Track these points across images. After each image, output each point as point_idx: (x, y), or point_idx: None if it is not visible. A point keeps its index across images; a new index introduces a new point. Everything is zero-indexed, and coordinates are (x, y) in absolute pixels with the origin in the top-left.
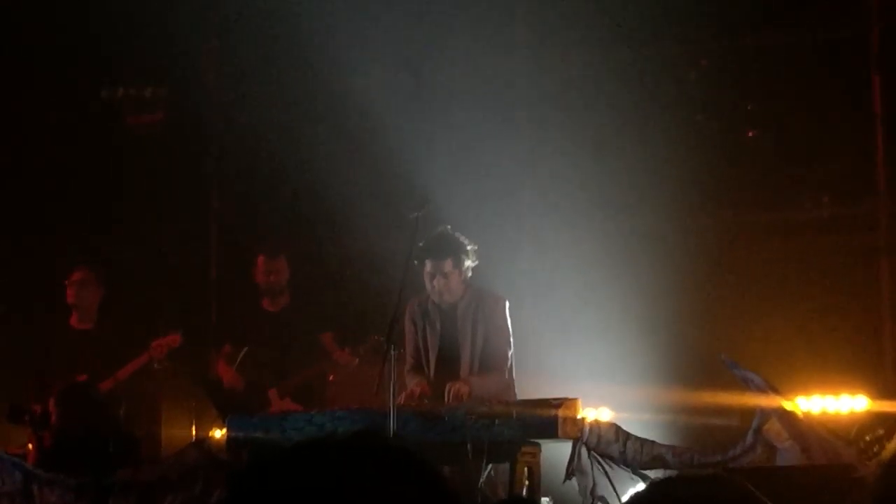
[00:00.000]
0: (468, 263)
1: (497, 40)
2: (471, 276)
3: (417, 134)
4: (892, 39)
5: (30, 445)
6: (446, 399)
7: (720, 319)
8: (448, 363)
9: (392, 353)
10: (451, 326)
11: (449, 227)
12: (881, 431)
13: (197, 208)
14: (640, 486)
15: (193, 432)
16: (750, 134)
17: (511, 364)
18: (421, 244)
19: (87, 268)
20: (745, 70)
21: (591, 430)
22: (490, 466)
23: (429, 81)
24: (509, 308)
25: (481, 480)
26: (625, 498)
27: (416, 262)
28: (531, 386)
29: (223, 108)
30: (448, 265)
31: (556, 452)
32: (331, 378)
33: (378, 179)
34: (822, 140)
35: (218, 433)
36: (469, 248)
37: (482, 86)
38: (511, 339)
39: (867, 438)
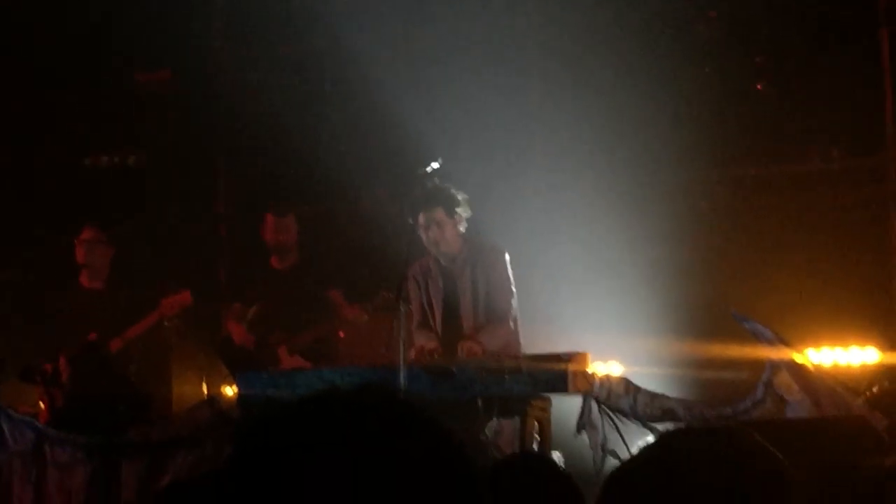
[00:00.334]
0: (462, 213)
1: None
2: (468, 229)
3: (426, 91)
4: None
5: (41, 404)
6: (461, 351)
7: (730, 273)
8: (453, 318)
9: (402, 309)
10: (453, 281)
11: (437, 179)
12: (888, 384)
13: (205, 168)
14: (651, 440)
15: (204, 390)
16: (758, 87)
17: (516, 315)
18: (411, 199)
19: (97, 227)
20: (754, 22)
21: (601, 383)
22: (496, 421)
23: (437, 38)
24: (510, 260)
25: (488, 435)
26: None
27: (409, 219)
28: (541, 340)
29: (231, 66)
30: (439, 214)
31: (566, 406)
32: (341, 335)
33: (387, 136)
34: (830, 93)
35: (228, 391)
36: (459, 197)
37: (491, 42)
38: (513, 289)
39: (875, 390)
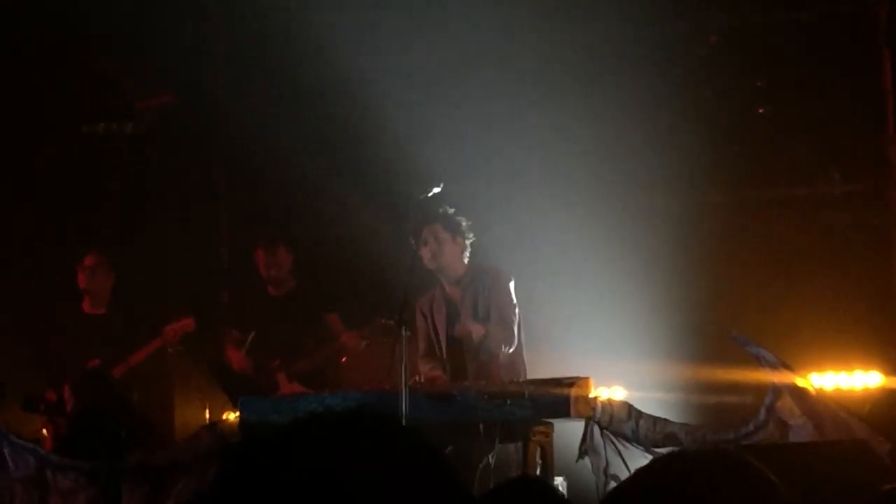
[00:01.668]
0: (463, 235)
1: (503, 16)
2: (472, 255)
3: (426, 115)
4: None
5: (45, 432)
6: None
7: (732, 296)
8: (455, 343)
9: (404, 334)
10: (455, 307)
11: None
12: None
13: (206, 193)
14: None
15: (207, 416)
16: (760, 110)
17: (520, 339)
18: (412, 219)
19: (99, 252)
20: (755, 46)
21: (603, 408)
22: (498, 446)
23: (435, 62)
24: (514, 285)
25: (491, 461)
26: None
27: (411, 239)
28: (543, 365)
29: (230, 93)
30: (438, 229)
31: (568, 432)
32: (343, 360)
33: (386, 161)
34: (832, 116)
35: (231, 416)
36: (460, 219)
37: (489, 65)
38: (517, 311)
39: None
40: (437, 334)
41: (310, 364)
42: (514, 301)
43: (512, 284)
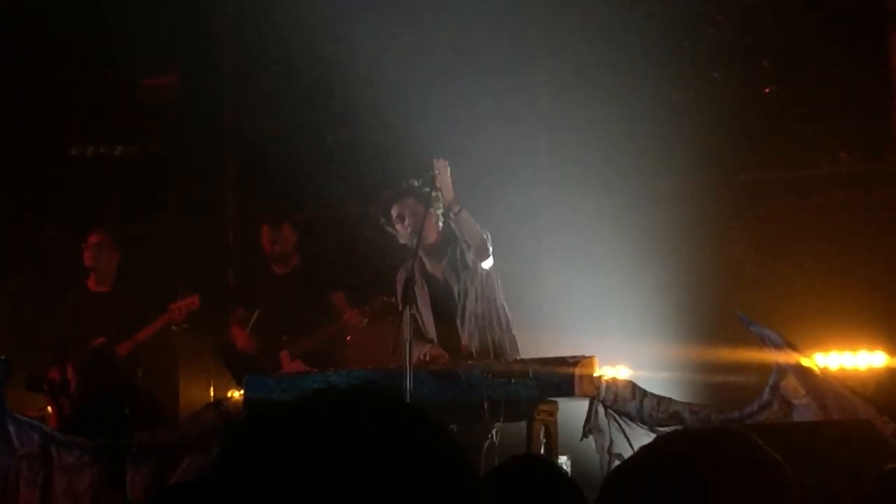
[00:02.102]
0: (434, 203)
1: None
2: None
3: (434, 97)
4: None
5: (49, 409)
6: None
7: (738, 276)
8: (443, 316)
9: (408, 312)
10: (437, 278)
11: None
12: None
13: (213, 172)
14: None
15: (211, 394)
16: (766, 90)
17: (507, 320)
18: (382, 199)
19: (104, 230)
20: (762, 26)
21: (607, 387)
22: (503, 425)
23: (445, 44)
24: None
25: (495, 439)
26: None
27: (382, 218)
28: (548, 343)
29: (237, 72)
30: (410, 201)
31: (573, 410)
32: (348, 339)
33: (391, 142)
34: (838, 96)
35: (235, 394)
36: (426, 189)
37: (498, 48)
38: (488, 235)
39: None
40: (420, 313)
41: (313, 342)
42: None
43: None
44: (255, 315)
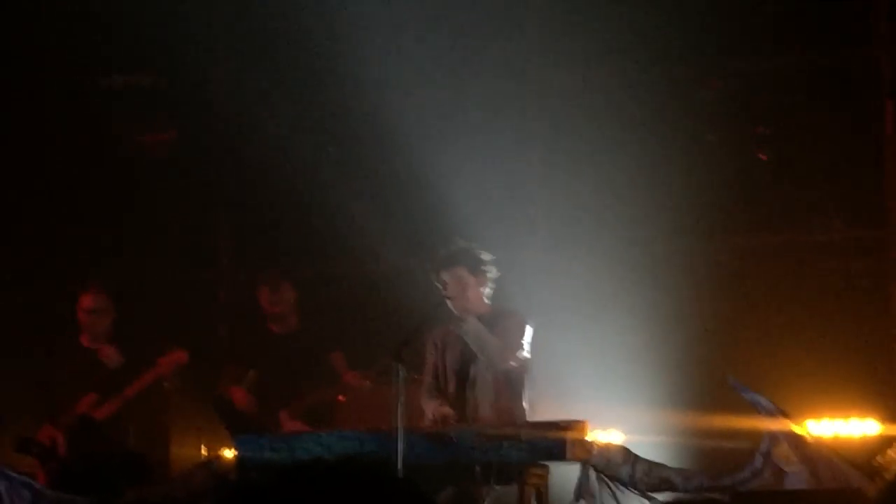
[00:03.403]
0: (488, 274)
1: (508, 53)
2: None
3: (431, 152)
4: None
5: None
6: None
7: (730, 342)
8: (466, 382)
9: (400, 373)
10: (471, 350)
11: (461, 239)
12: (892, 453)
13: (206, 228)
14: None
15: (203, 452)
16: (761, 156)
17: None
18: (434, 258)
19: (99, 290)
20: (757, 92)
21: (599, 452)
22: (499, 488)
23: (440, 93)
24: (531, 329)
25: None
26: None
27: (433, 278)
28: (540, 407)
29: (234, 127)
30: (462, 271)
31: (564, 474)
32: (340, 399)
33: (390, 197)
34: (833, 163)
35: (228, 453)
36: (484, 257)
37: (490, 106)
38: (524, 354)
39: (878, 460)
40: (444, 370)
41: (313, 402)
42: (526, 348)
43: (529, 332)
44: (251, 375)
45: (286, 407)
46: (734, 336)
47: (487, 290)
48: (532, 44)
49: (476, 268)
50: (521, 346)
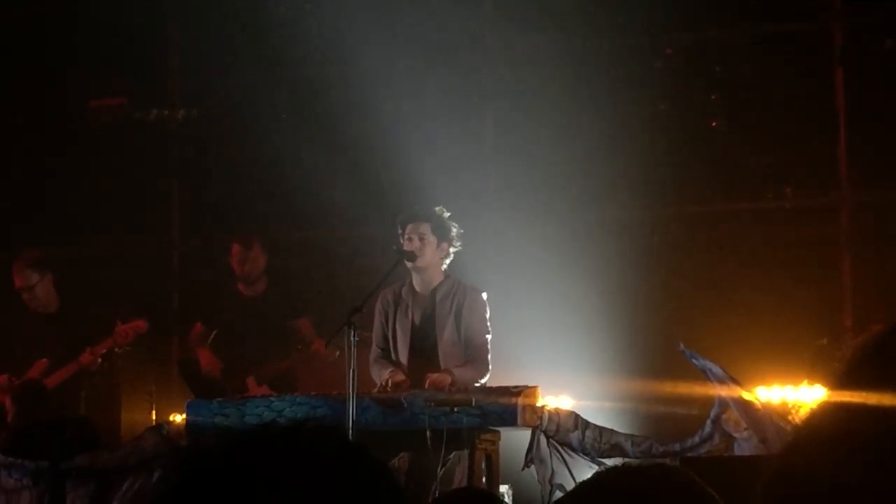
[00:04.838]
0: (450, 242)
1: (462, 26)
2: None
3: (391, 124)
4: (856, 32)
5: None
6: (426, 387)
7: (680, 309)
8: (422, 351)
9: (353, 338)
10: (428, 314)
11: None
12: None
13: (160, 195)
14: None
15: (153, 417)
16: (713, 124)
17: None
18: (405, 211)
19: (34, 255)
20: (710, 60)
21: (550, 417)
22: (452, 454)
23: (393, 71)
24: (487, 298)
25: (441, 469)
26: None
27: (398, 227)
28: (491, 373)
29: (187, 92)
30: (426, 229)
31: (515, 440)
32: (316, 367)
33: (356, 167)
34: (785, 131)
35: (177, 418)
36: (453, 228)
37: (445, 76)
38: (489, 338)
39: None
40: (394, 334)
41: (280, 368)
42: (489, 325)
43: (486, 298)
44: (213, 334)
45: (253, 372)
46: (684, 303)
47: (447, 260)
48: (488, 12)
49: (440, 230)
50: (486, 325)
